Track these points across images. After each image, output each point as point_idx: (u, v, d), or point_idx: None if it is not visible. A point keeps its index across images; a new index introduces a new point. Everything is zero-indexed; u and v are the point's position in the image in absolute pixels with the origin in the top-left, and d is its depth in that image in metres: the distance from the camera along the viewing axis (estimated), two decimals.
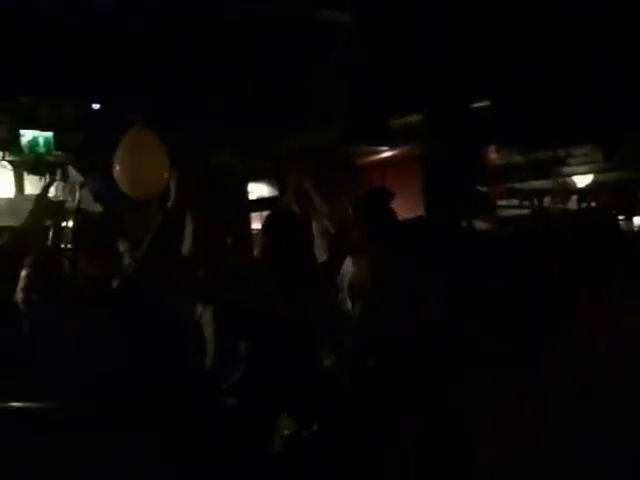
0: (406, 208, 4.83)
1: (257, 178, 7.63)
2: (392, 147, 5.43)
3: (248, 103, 5.47)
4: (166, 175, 4.26)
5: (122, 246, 4.23)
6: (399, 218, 3.54)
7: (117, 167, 4.40)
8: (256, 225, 7.76)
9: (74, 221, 7.02)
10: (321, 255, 4.20)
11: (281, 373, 2.93)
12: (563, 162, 8.51)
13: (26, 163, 6.99)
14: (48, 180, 7.03)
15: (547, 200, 10.14)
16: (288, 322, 3.32)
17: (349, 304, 3.92)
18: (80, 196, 7.53)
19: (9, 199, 7.14)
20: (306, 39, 4.40)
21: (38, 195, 3.33)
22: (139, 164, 4.42)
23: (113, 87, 5.73)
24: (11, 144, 6.37)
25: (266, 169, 7.44)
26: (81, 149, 6.47)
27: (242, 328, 3.23)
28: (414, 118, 4.89)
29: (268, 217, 4.48)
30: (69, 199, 7.36)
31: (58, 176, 7.15)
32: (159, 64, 5.01)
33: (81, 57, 5.22)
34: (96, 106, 6.21)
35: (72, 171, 7.34)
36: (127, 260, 4.32)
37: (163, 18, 4.53)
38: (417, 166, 5.26)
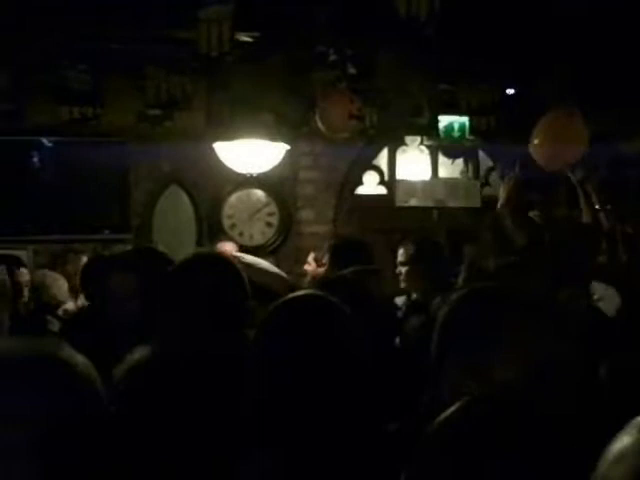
0: None
1: None
2: None
3: None
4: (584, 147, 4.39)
5: None
6: None
7: (535, 141, 4.61)
8: None
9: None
10: None
11: None
12: None
13: (441, 147, 7.43)
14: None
15: None
16: None
17: None
18: (489, 179, 7.83)
19: (424, 181, 7.63)
20: None
21: None
22: (557, 137, 4.60)
23: (529, 73, 5.85)
24: (430, 130, 6.79)
25: None
26: (492, 134, 6.66)
27: None
28: None
29: None
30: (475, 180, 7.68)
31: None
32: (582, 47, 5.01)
33: (501, 43, 5.40)
34: (510, 91, 6.37)
35: (482, 155, 7.63)
36: None
37: None
38: None
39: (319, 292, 2.27)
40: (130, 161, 6.75)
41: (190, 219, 7.26)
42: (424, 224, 7.25)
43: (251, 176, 6.36)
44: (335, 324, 1.85)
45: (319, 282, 2.98)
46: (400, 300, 4.40)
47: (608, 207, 4.53)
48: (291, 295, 1.98)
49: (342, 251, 4.20)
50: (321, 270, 5.31)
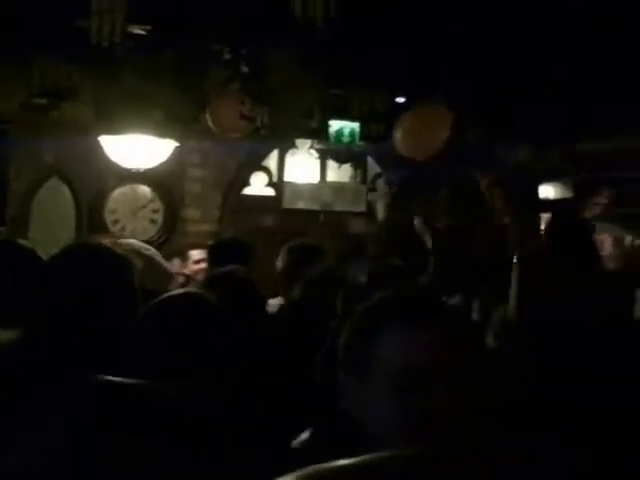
0: None
1: (550, 179, 7.54)
2: None
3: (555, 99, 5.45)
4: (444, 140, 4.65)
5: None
6: None
7: (398, 133, 4.90)
8: None
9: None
10: None
11: None
12: None
13: (330, 151, 7.46)
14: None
15: None
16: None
17: None
18: (376, 185, 7.93)
19: (312, 184, 7.66)
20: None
21: None
22: (420, 129, 4.90)
23: (419, 82, 5.96)
24: (320, 133, 6.80)
25: (560, 170, 7.33)
26: (382, 140, 6.75)
27: None
28: None
29: (552, 218, 4.48)
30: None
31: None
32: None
33: (388, 52, 5.48)
34: (401, 100, 6.46)
35: (371, 161, 7.72)
36: None
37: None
38: None
39: (193, 290, 2.47)
40: (11, 150, 6.48)
41: (70, 212, 7.04)
42: (310, 227, 7.28)
43: (137, 171, 6.22)
44: (205, 321, 2.02)
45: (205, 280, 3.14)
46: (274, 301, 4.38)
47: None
48: (166, 295, 2.15)
49: (220, 251, 4.22)
50: (197, 268, 5.34)
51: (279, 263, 4.46)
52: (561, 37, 4.62)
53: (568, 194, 7.33)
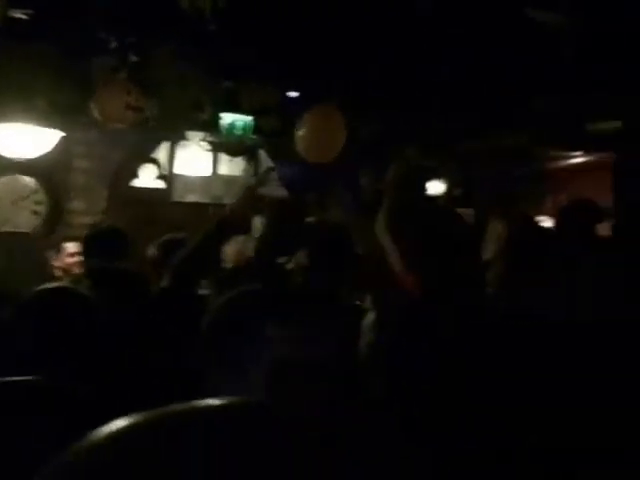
0: None
1: (436, 176, 7.69)
2: (586, 153, 5.32)
3: (442, 99, 5.55)
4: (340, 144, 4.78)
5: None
6: None
7: (299, 132, 4.95)
8: None
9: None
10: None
11: None
12: None
13: (222, 144, 7.39)
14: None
15: None
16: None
17: None
18: (267, 179, 7.89)
19: (203, 177, 7.57)
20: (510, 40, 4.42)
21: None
22: (319, 132, 4.99)
23: (310, 77, 5.96)
24: (211, 126, 6.72)
25: (444, 167, 7.49)
26: (274, 134, 6.73)
27: None
28: (613, 124, 4.79)
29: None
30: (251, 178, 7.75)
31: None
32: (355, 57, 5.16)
33: (283, 46, 5.46)
34: (293, 94, 6.45)
35: (263, 155, 7.69)
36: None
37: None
38: (610, 174, 5.15)
39: (65, 284, 2.55)
40: None
41: None
42: (199, 220, 7.19)
43: (19, 161, 6.01)
44: (77, 315, 2.09)
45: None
46: None
47: None
48: (38, 289, 2.19)
49: (95, 242, 4.11)
50: (71, 261, 5.21)
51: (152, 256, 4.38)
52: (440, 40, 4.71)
53: (454, 190, 7.51)
